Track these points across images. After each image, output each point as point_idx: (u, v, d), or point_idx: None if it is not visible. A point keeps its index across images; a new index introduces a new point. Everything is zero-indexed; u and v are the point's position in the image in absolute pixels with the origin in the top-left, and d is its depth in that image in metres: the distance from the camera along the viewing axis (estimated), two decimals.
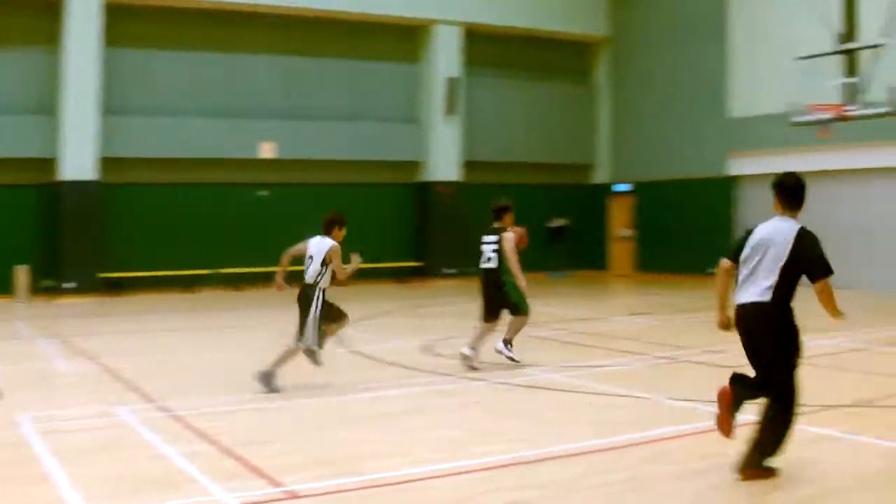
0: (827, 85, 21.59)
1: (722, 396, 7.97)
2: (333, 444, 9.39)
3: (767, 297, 7.80)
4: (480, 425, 10.30)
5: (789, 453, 8.04)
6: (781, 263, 7.80)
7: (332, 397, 11.99)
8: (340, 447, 9.26)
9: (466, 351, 14.18)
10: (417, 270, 32.59)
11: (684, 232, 31.75)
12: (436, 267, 32.40)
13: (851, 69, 21.22)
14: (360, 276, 30.55)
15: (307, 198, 30.76)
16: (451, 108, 32.53)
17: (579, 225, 35.77)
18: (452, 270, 32.28)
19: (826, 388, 12.22)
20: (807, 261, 7.77)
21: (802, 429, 9.67)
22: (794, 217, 8.11)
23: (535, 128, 35.08)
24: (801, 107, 22.04)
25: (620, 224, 35.86)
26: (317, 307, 12.44)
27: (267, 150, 30.08)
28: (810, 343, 16.11)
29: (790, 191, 8.20)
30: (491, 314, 14.54)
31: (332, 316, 12.72)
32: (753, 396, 8.06)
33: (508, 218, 15.00)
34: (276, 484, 7.91)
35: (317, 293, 12.52)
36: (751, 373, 8.09)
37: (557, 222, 35.14)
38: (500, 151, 34.46)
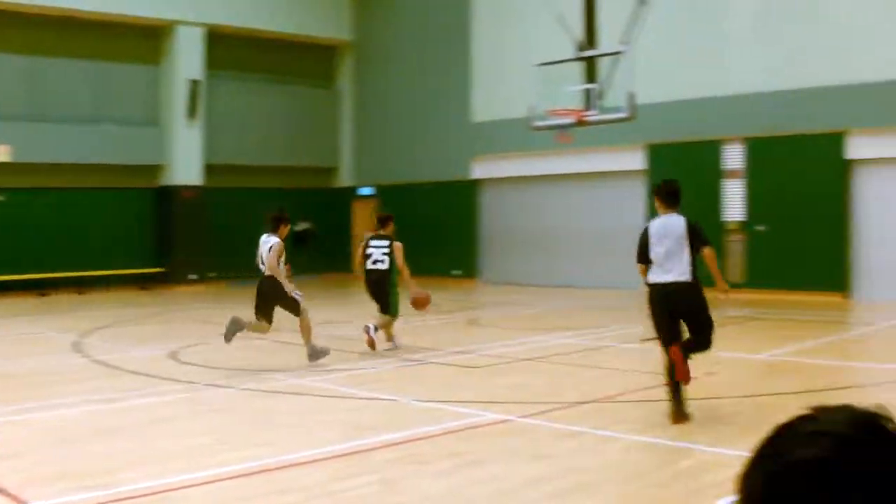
0: (567, 90, 22.22)
1: (675, 355, 9.94)
2: (80, 457, 9.09)
3: (689, 275, 10.26)
4: (228, 432, 10.16)
5: (540, 450, 8.21)
6: (687, 247, 10.27)
7: (74, 409, 11.59)
8: (88, 459, 8.98)
9: (389, 345, 16.23)
10: (160, 276, 31.93)
11: (429, 234, 32.14)
12: (178, 273, 31.82)
13: (591, 75, 21.91)
14: (99, 283, 30.16)
15: (47, 203, 29.86)
16: (192, 111, 32.01)
17: (324, 228, 35.78)
18: (195, 276, 31.80)
19: (570, 385, 12.60)
20: (698, 239, 10.35)
21: (552, 426, 9.96)
22: (675, 212, 10.55)
23: (279, 131, 34.88)
24: (542, 112, 22.63)
25: (364, 228, 36.01)
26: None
27: (2, 153, 28.86)
28: (549, 342, 16.62)
29: (670, 194, 10.67)
30: (382, 307, 16.32)
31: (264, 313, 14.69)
32: (689, 350, 10.25)
33: (391, 226, 16.76)
34: (20, 501, 7.62)
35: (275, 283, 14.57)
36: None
37: (302, 226, 35.03)
38: (244, 155, 34.08)
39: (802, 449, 1.29)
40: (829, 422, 1.32)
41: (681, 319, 10.44)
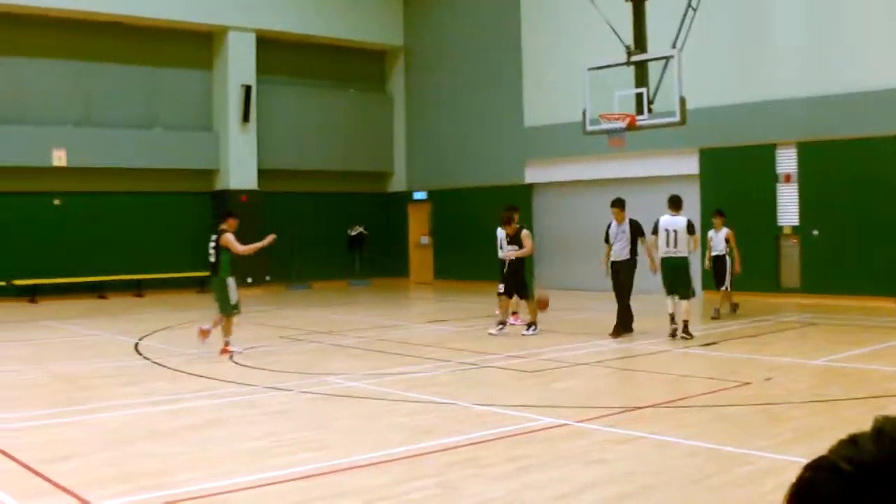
0: (619, 95, 22.17)
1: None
2: (138, 459, 9.15)
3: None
4: (284, 435, 10.17)
5: (597, 455, 8.20)
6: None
7: (134, 410, 11.71)
8: (145, 461, 9.03)
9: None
10: None
11: (483, 239, 32.09)
12: (234, 276, 31.94)
13: (642, 80, 21.83)
14: (157, 286, 30.45)
15: (103, 206, 30.24)
16: (245, 116, 32.21)
17: (378, 233, 35.91)
18: (251, 280, 32.00)
19: (627, 390, 12.57)
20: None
21: (610, 430, 9.95)
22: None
23: (331, 136, 35.04)
24: (594, 116, 22.59)
25: (419, 232, 36.11)
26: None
27: (58, 158, 29.21)
28: (605, 346, 16.56)
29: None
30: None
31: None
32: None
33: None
34: (83, 501, 7.67)
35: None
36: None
37: (356, 230, 35.22)
38: (296, 159, 34.28)
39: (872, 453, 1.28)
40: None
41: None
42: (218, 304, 16.80)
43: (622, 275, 18.38)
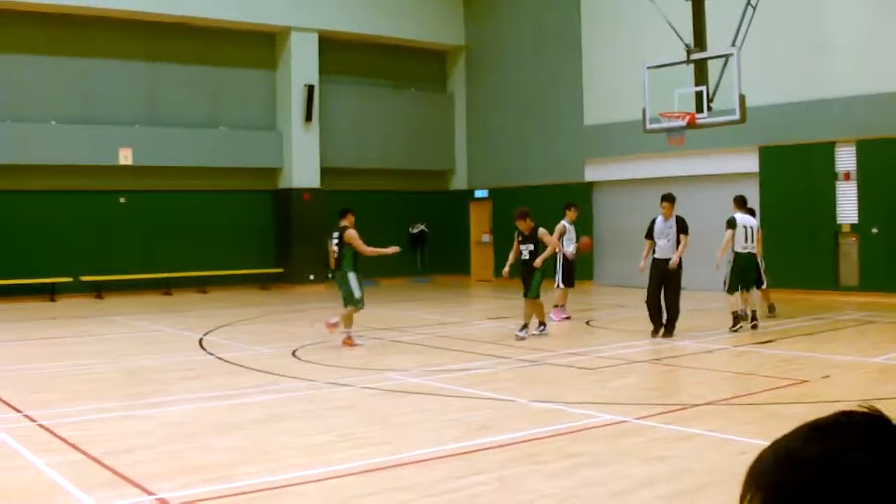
0: (678, 93, 22.13)
1: None
2: (202, 452, 9.33)
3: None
4: (346, 430, 10.29)
5: (655, 452, 8.28)
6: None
7: (198, 404, 11.93)
8: (209, 454, 9.21)
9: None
10: (279, 277, 32.49)
11: None
12: (297, 273, 32.32)
13: (701, 78, 21.77)
14: (220, 282, 30.80)
15: (168, 204, 30.66)
16: (308, 115, 32.47)
17: (440, 231, 36.08)
18: (313, 277, 32.29)
19: (684, 387, 12.61)
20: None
21: (668, 427, 10.00)
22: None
23: (393, 135, 35.22)
24: (654, 115, 22.57)
25: (479, 230, 36.20)
26: None
27: (123, 156, 29.63)
28: (662, 344, 16.57)
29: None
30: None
31: None
32: None
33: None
34: (148, 492, 7.85)
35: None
36: None
37: (417, 228, 35.40)
38: (358, 158, 34.51)
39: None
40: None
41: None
42: (343, 297, 17.53)
43: (671, 272, 17.90)
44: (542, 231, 18.42)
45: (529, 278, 18.25)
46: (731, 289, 18.61)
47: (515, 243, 18.65)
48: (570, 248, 21.31)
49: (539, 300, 18.50)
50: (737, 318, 18.46)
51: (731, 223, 18.55)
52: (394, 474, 8.41)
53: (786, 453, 1.33)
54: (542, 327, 18.69)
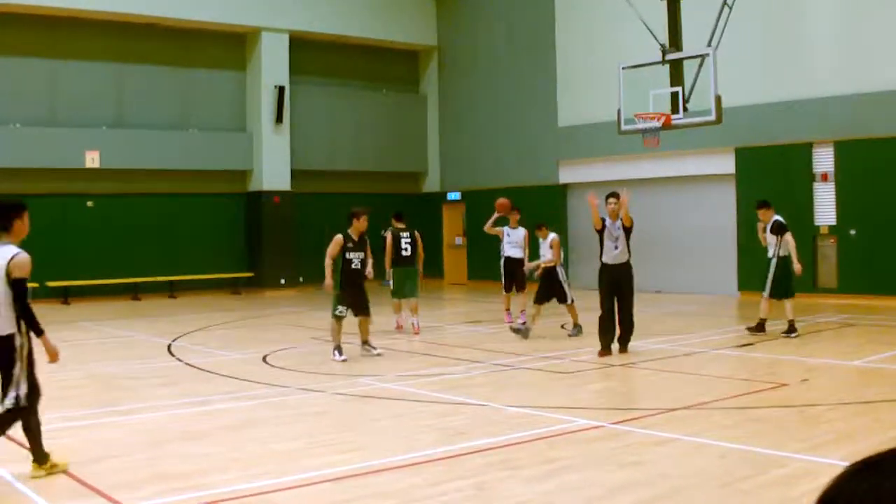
0: (653, 94, 22.10)
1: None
2: (171, 460, 9.16)
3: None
4: (319, 436, 10.17)
5: (632, 457, 8.16)
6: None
7: (168, 411, 11.74)
8: (178, 462, 9.04)
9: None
10: (250, 281, 32.28)
11: None
12: (268, 277, 32.14)
13: (677, 78, 21.76)
14: (190, 286, 30.55)
15: (136, 208, 30.38)
16: (279, 117, 32.29)
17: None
18: (284, 281, 32.10)
19: (662, 391, 12.51)
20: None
21: (645, 432, 9.90)
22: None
23: (365, 136, 35.09)
24: (629, 116, 22.53)
25: (453, 232, 36.07)
26: None
27: (90, 159, 29.33)
28: (639, 348, 16.47)
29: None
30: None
31: None
32: None
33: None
34: (114, 502, 7.70)
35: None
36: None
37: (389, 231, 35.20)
38: (330, 160, 34.35)
39: None
40: None
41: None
42: (409, 291, 19.99)
43: (624, 279, 16.13)
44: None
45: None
46: (779, 295, 17.87)
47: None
48: (511, 251, 21.43)
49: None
50: (761, 323, 17.99)
51: (786, 226, 17.92)
52: (369, 481, 8.27)
53: (836, 488, 1.32)
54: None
